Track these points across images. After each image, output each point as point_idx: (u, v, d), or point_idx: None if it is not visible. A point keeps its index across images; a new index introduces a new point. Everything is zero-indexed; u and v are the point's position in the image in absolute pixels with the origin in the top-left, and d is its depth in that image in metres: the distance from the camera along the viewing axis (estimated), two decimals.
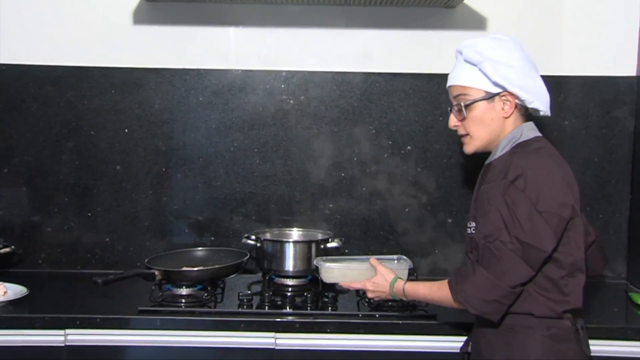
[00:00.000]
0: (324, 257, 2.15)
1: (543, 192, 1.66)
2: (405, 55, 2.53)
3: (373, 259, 2.00)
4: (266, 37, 2.53)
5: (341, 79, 2.53)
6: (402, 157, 2.54)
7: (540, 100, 1.83)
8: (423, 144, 2.54)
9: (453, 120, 1.86)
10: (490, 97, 1.80)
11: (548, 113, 1.87)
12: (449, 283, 1.75)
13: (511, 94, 1.80)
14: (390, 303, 2.09)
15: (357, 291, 2.20)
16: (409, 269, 2.06)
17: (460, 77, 1.84)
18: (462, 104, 1.81)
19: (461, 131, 1.86)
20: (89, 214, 2.54)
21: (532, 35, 2.47)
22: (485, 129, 1.82)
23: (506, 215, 1.66)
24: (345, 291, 2.24)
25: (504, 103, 1.81)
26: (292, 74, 2.53)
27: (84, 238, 2.54)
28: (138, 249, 2.54)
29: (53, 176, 2.53)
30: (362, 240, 2.54)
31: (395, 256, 2.16)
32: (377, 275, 1.94)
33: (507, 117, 1.82)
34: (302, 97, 2.53)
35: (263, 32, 2.53)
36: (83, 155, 2.53)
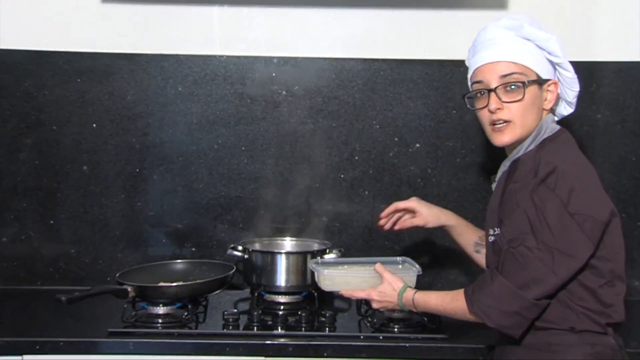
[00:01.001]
0: (319, 261, 2.16)
1: (576, 190, 1.67)
2: (414, 38, 2.53)
3: (379, 265, 2.00)
4: (255, 18, 2.53)
5: (340, 67, 2.53)
6: (410, 156, 2.54)
7: (574, 103, 1.92)
8: (434, 140, 2.54)
9: (496, 102, 1.81)
10: (541, 82, 1.83)
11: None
12: (465, 292, 1.77)
13: (557, 84, 1.85)
14: (392, 324, 2.10)
15: (359, 307, 2.22)
16: (417, 276, 2.05)
17: (515, 54, 1.82)
18: (525, 81, 1.79)
19: (504, 116, 1.81)
20: (52, 222, 2.53)
21: (559, 14, 2.47)
22: (534, 116, 1.82)
23: (533, 218, 1.67)
24: (345, 308, 2.24)
25: (547, 93, 1.85)
26: (284, 60, 2.53)
27: (45, 249, 2.53)
28: (108, 261, 2.53)
29: (9, 178, 2.52)
30: (364, 251, 2.53)
31: (399, 258, 2.15)
32: (383, 283, 1.95)
33: (547, 110, 1.85)
34: (296, 87, 2.53)
35: (251, 12, 2.52)
36: (44, 153, 2.52)
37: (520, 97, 1.79)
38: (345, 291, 2.01)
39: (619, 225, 1.75)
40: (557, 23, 2.40)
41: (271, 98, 2.53)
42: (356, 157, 2.54)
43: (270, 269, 2.27)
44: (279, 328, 2.11)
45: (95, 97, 2.52)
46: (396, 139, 2.54)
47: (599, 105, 2.50)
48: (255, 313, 2.14)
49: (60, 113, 2.51)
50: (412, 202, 2.16)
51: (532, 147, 1.81)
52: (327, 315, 2.13)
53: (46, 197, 2.53)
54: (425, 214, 2.15)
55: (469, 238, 2.14)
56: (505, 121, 1.81)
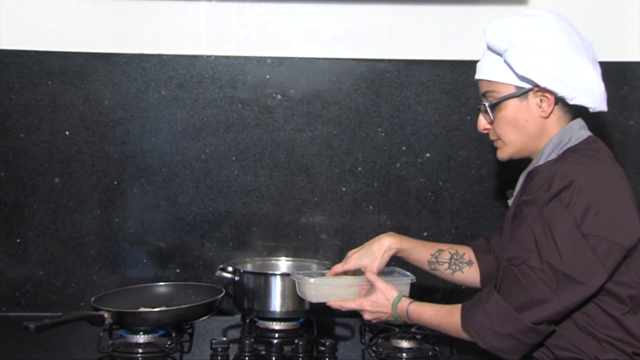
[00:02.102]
0: (301, 272, 2.16)
1: (593, 209, 1.66)
2: (424, 36, 2.54)
3: (370, 273, 2.01)
4: (246, 13, 2.54)
5: (341, 68, 2.54)
6: (419, 167, 2.55)
7: (587, 94, 1.81)
8: (446, 150, 2.55)
9: (482, 123, 1.92)
10: (522, 93, 1.84)
11: (602, 108, 1.86)
12: (462, 307, 1.79)
13: (546, 89, 1.81)
14: (400, 353, 2.11)
15: (362, 334, 2.22)
16: (411, 284, 2.06)
17: (485, 70, 1.90)
18: (487, 104, 1.87)
19: (492, 136, 1.92)
20: (18, 240, 2.53)
21: (586, 9, 2.49)
22: (518, 132, 1.86)
23: (540, 235, 1.68)
24: (348, 336, 2.23)
25: (540, 100, 1.84)
26: (279, 61, 2.53)
27: (11, 272, 2.53)
28: (82, 284, 2.53)
29: None
30: None
31: (385, 268, 2.15)
32: (376, 292, 1.96)
33: (546, 117, 1.84)
34: (292, 90, 2.54)
35: (242, 7, 2.53)
36: (10, 164, 2.52)
37: (490, 119, 1.88)
38: (334, 302, 2.01)
39: None
40: (584, 19, 2.38)
41: (264, 102, 2.54)
42: (359, 168, 2.55)
43: (263, 292, 2.26)
44: (274, 358, 2.10)
45: (69, 102, 2.52)
46: (404, 148, 2.54)
47: (631, 111, 2.52)
48: (247, 342, 2.13)
49: (28, 119, 2.51)
50: (350, 262, 2.08)
51: (552, 156, 1.81)
52: (327, 344, 2.13)
53: (12, 213, 2.52)
54: (370, 264, 2.06)
55: (421, 257, 2.13)
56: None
